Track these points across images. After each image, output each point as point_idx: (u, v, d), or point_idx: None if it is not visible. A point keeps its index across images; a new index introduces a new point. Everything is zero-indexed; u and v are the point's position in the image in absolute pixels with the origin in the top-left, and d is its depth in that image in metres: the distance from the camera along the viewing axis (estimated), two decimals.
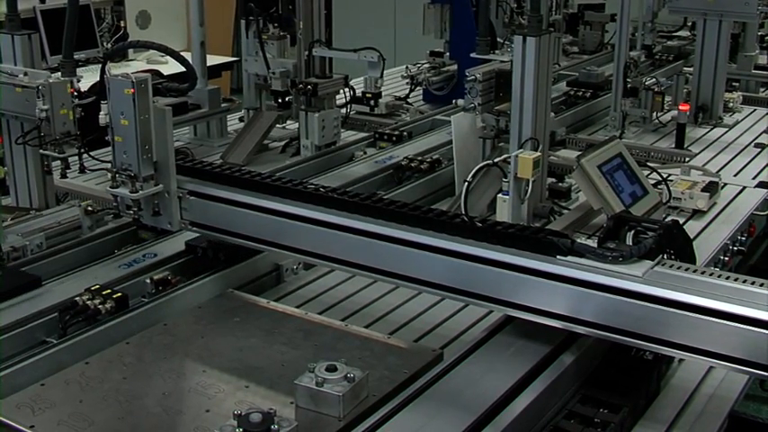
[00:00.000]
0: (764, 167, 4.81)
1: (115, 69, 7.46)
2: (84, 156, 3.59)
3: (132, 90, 2.98)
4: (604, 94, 5.75)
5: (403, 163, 4.54)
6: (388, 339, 2.88)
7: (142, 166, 3.06)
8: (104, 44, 7.72)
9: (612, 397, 2.59)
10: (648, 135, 5.38)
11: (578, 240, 2.66)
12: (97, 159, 3.49)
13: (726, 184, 4.46)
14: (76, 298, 3.04)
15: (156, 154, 3.09)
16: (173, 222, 3.20)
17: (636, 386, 2.65)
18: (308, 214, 2.97)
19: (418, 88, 6.25)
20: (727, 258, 3.82)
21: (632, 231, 2.83)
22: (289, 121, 5.35)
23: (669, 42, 7.24)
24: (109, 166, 3.15)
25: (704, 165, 4.75)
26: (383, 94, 5.61)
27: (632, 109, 5.35)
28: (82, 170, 4.05)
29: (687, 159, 4.82)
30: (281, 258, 3.44)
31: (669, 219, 3.60)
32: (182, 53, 7.67)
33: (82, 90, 3.73)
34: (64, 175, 3.91)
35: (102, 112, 3.09)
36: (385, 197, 3.21)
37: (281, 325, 2.93)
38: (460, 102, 4.19)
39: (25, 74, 3.67)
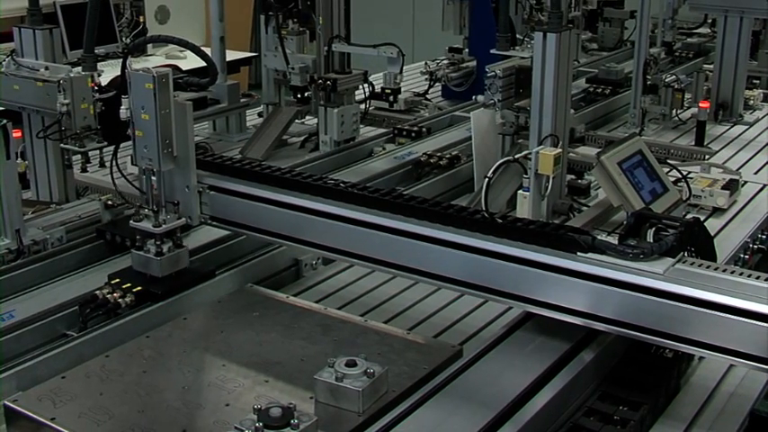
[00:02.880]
0: None
1: (134, 64, 7.48)
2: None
3: (153, 85, 2.97)
4: (624, 91, 5.74)
5: (422, 159, 4.54)
6: (408, 335, 2.88)
7: (162, 161, 3.05)
8: (123, 39, 7.73)
9: (632, 394, 2.57)
10: (668, 132, 5.36)
11: (599, 237, 2.66)
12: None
13: (746, 182, 4.44)
14: (97, 291, 3.05)
15: (177, 148, 3.08)
16: (192, 217, 3.19)
17: (656, 384, 2.64)
18: (327, 209, 2.97)
19: (437, 84, 6.24)
20: (747, 256, 3.80)
21: (653, 229, 2.81)
22: (308, 117, 5.35)
23: (689, 39, 7.21)
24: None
25: (724, 162, 4.73)
26: (402, 89, 5.60)
27: (652, 106, 5.33)
28: (102, 164, 4.08)
29: (707, 157, 4.80)
30: (300, 253, 3.44)
31: (690, 216, 3.58)
32: (205, 49, 7.69)
33: (102, 84, 3.75)
34: (84, 170, 3.93)
35: (123, 107, 3.07)
36: (404, 193, 3.21)
37: (301, 320, 2.94)
38: (480, 98, 4.18)
39: (46, 68, 3.68)
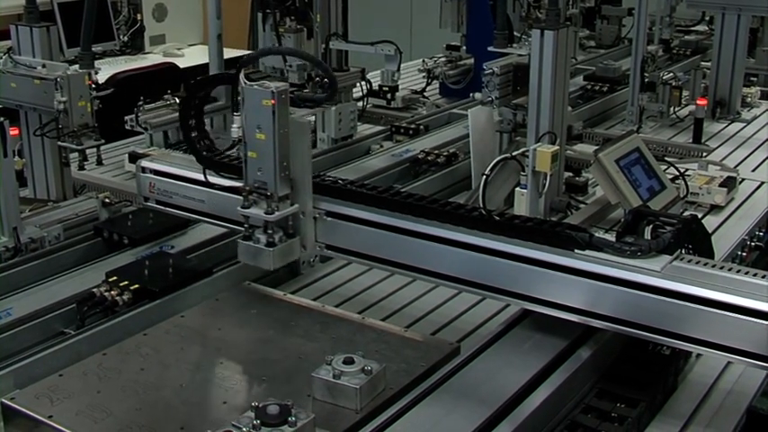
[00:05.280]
0: None
1: (131, 62, 7.47)
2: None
3: (273, 101, 2.69)
4: (622, 89, 5.73)
5: (420, 156, 4.54)
6: (405, 332, 2.88)
7: (279, 185, 2.79)
8: (121, 37, 7.73)
9: (630, 392, 2.57)
10: (666, 130, 5.36)
11: (596, 234, 2.66)
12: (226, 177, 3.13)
13: (744, 180, 4.44)
14: (94, 289, 3.05)
15: (293, 171, 2.83)
16: (307, 245, 2.94)
17: (653, 381, 2.64)
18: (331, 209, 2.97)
19: (435, 82, 6.23)
20: (745, 254, 3.80)
21: (651, 226, 2.81)
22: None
23: (687, 37, 7.20)
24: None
25: (722, 160, 4.72)
26: (400, 87, 5.61)
27: (649, 103, 5.32)
28: (99, 162, 4.08)
29: (705, 154, 4.80)
30: None
31: (687, 213, 3.58)
32: (198, 46, 7.66)
33: (99, 82, 3.75)
34: (81, 167, 3.93)
35: (234, 125, 2.91)
36: (402, 190, 3.20)
37: (299, 317, 2.94)
38: (477, 95, 4.18)
39: (43, 66, 3.68)
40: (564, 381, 2.54)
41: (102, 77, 3.72)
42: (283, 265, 2.97)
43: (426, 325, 3.10)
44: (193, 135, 3.21)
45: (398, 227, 2.84)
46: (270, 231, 2.80)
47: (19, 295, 3.12)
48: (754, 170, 4.69)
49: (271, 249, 2.80)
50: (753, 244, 3.89)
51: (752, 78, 6.30)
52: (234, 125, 2.82)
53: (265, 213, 2.78)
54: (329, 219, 2.94)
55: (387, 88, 5.49)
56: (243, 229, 3.18)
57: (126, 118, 4.40)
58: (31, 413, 2.40)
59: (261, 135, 2.74)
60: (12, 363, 2.64)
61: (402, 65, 5.40)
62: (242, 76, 2.78)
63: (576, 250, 2.62)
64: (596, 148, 3.88)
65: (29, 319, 2.93)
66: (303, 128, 2.82)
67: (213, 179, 3.12)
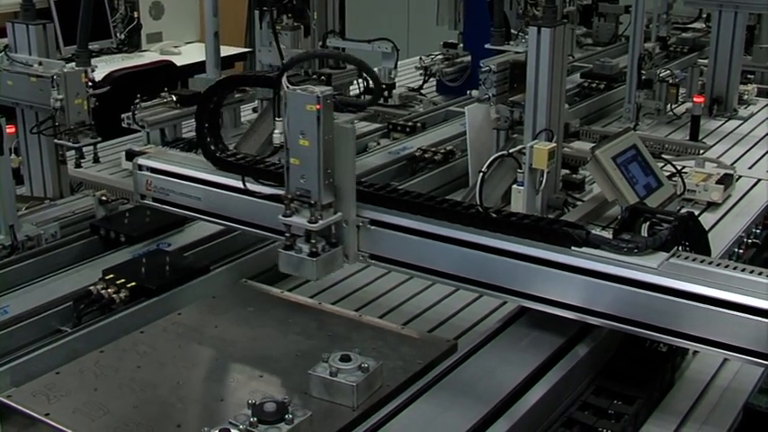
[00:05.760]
0: None
1: (128, 60, 7.46)
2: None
3: (318, 106, 2.59)
4: (618, 86, 5.73)
5: (417, 154, 4.54)
6: (402, 330, 2.88)
7: (323, 193, 2.69)
8: (118, 35, 7.73)
9: (626, 389, 2.58)
10: (663, 127, 5.36)
11: (593, 231, 2.66)
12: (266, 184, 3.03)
13: (740, 177, 4.44)
14: (91, 287, 3.05)
15: (337, 178, 2.73)
16: (349, 255, 2.85)
17: (650, 378, 2.64)
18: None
19: (432, 79, 6.23)
20: (741, 251, 3.80)
21: (647, 223, 2.82)
22: None
23: (684, 34, 7.21)
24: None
25: (719, 157, 4.73)
26: (397, 85, 5.60)
27: (646, 101, 5.33)
28: (96, 160, 4.08)
29: (701, 151, 4.81)
30: None
31: (684, 211, 3.59)
32: (195, 44, 7.65)
33: (96, 80, 3.74)
34: (78, 165, 3.93)
35: (276, 131, 2.83)
36: (399, 188, 3.20)
37: (295, 315, 2.94)
38: (474, 93, 4.18)
39: (40, 63, 3.67)
40: (561, 378, 2.55)
41: (98, 75, 3.72)
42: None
43: (423, 322, 3.10)
44: (207, 137, 3.19)
45: (395, 224, 2.83)
46: (313, 241, 2.72)
47: (15, 293, 3.11)
48: (750, 167, 4.70)
49: (314, 260, 2.70)
50: (749, 241, 3.90)
51: (749, 76, 6.30)
52: (276, 131, 2.71)
53: (308, 222, 2.68)
54: (373, 227, 2.85)
55: (384, 86, 5.48)
56: (240, 227, 3.21)
57: (123, 116, 4.41)
58: (28, 411, 2.40)
59: (304, 141, 2.64)
60: (8, 361, 2.63)
61: (399, 62, 5.40)
62: (284, 79, 2.68)
63: (572, 247, 2.62)
64: (593, 145, 3.89)
65: (25, 317, 2.93)
66: (348, 134, 2.70)
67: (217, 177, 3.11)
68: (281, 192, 2.79)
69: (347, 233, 2.81)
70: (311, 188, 2.68)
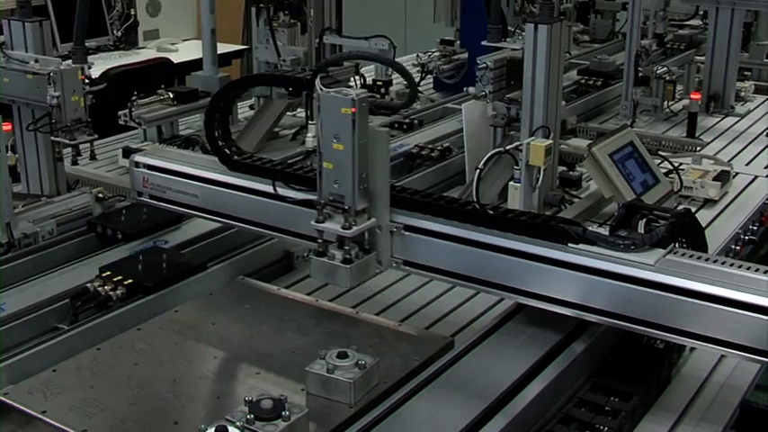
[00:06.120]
0: None
1: (125, 57, 7.44)
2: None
3: (353, 109, 2.52)
4: (615, 83, 5.73)
5: (414, 151, 4.53)
6: (399, 326, 2.88)
7: (357, 198, 2.62)
8: (114, 32, 7.71)
9: (623, 385, 2.58)
10: (660, 124, 5.36)
11: (590, 228, 2.66)
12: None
13: (737, 174, 4.44)
14: (88, 284, 3.05)
15: (371, 183, 2.67)
16: (383, 261, 2.79)
17: (647, 375, 2.64)
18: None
19: (429, 76, 6.23)
20: (738, 247, 3.80)
21: (644, 219, 2.82)
22: (299, 109, 5.34)
23: (681, 31, 7.20)
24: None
25: (716, 154, 4.73)
26: (393, 82, 5.60)
27: (643, 98, 5.32)
28: (93, 157, 4.07)
29: (698, 148, 4.81)
30: (291, 245, 3.44)
31: (681, 207, 3.59)
32: (192, 41, 7.64)
33: (93, 77, 3.74)
34: (75, 162, 3.93)
35: (309, 134, 2.73)
36: (396, 185, 3.19)
37: (292, 312, 2.94)
38: (471, 89, 4.17)
39: (36, 61, 3.67)
40: (558, 374, 2.55)
41: (95, 72, 3.71)
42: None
43: (420, 319, 3.10)
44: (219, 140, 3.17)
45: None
46: (346, 247, 2.64)
47: (12, 290, 3.11)
48: (747, 164, 4.70)
49: (348, 266, 2.63)
50: (746, 238, 3.90)
51: (746, 73, 6.31)
52: (308, 134, 2.64)
53: (342, 228, 2.61)
54: (407, 233, 2.79)
55: (381, 83, 5.48)
56: (237, 225, 3.21)
57: (120, 113, 4.40)
58: (25, 408, 2.40)
59: (339, 145, 2.57)
60: (5, 358, 2.63)
61: (396, 59, 5.38)
62: (318, 81, 2.61)
63: (569, 244, 2.61)
64: (590, 142, 3.89)
65: (22, 314, 2.92)
66: (382, 137, 2.64)
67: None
68: (312, 196, 2.73)
69: (381, 239, 2.75)
70: (345, 193, 2.61)
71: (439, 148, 4.51)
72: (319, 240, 2.67)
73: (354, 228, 2.61)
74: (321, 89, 2.58)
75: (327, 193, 2.63)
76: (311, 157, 2.67)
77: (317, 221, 2.65)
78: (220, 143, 3.18)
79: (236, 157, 3.16)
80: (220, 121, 3.18)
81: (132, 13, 7.92)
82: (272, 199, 3.00)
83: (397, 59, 5.21)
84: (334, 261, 2.65)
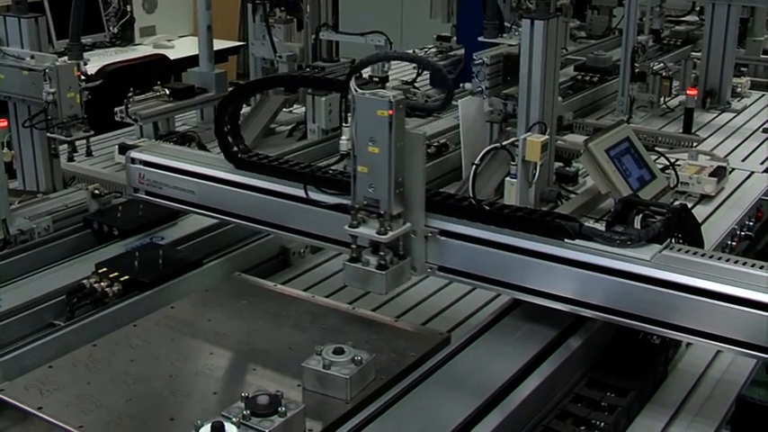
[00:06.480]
0: None
1: (121, 54, 7.43)
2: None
3: (390, 111, 2.46)
4: (612, 79, 5.73)
5: None
6: (396, 322, 2.88)
7: (393, 203, 2.56)
8: (111, 28, 7.70)
9: (620, 381, 2.58)
10: (656, 120, 5.36)
11: (586, 224, 2.66)
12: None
13: (734, 169, 4.45)
14: (84, 281, 3.04)
15: (406, 187, 2.60)
16: (417, 267, 2.73)
17: (643, 370, 2.64)
18: (313, 197, 2.95)
19: (425, 72, 6.22)
20: (734, 243, 3.81)
21: (640, 215, 2.81)
22: (295, 105, 5.34)
23: (677, 27, 7.19)
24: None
25: (712, 150, 4.73)
26: (390, 78, 5.60)
27: (640, 94, 5.33)
28: (89, 153, 4.08)
29: (695, 144, 4.81)
30: (288, 242, 3.44)
31: (677, 203, 3.59)
32: (188, 38, 7.62)
33: (89, 74, 3.74)
34: (71, 159, 3.93)
35: (344, 137, 2.69)
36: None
37: (289, 308, 2.93)
38: (468, 85, 4.18)
39: (32, 57, 3.67)
40: (554, 370, 2.55)
41: (92, 69, 3.72)
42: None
43: (417, 315, 3.10)
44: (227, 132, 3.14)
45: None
46: (381, 253, 2.58)
47: (8, 287, 3.11)
48: (744, 160, 4.70)
49: (383, 273, 2.57)
50: (742, 233, 3.91)
51: (742, 68, 6.32)
52: (343, 137, 2.60)
53: (377, 234, 2.55)
54: (442, 238, 2.73)
55: (377, 79, 5.47)
56: (234, 221, 3.20)
57: (116, 109, 4.40)
58: (21, 405, 2.40)
59: (374, 148, 2.50)
60: (1, 354, 2.63)
61: None
62: (353, 83, 2.53)
63: (565, 240, 2.61)
64: (586, 137, 3.89)
65: (18, 310, 2.92)
66: (418, 140, 2.57)
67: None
68: (345, 201, 2.67)
69: (415, 244, 2.70)
70: (380, 197, 2.55)
71: (435, 144, 4.51)
72: (353, 246, 2.61)
73: (390, 233, 2.55)
74: (356, 91, 2.52)
75: (362, 197, 2.57)
76: (345, 160, 2.62)
77: (350, 226, 2.58)
78: (236, 147, 3.16)
79: (254, 158, 3.14)
80: (231, 123, 3.17)
81: (128, 9, 7.91)
82: (267, 195, 3.02)
83: None
84: (368, 267, 2.59)
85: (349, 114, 2.57)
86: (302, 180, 2.93)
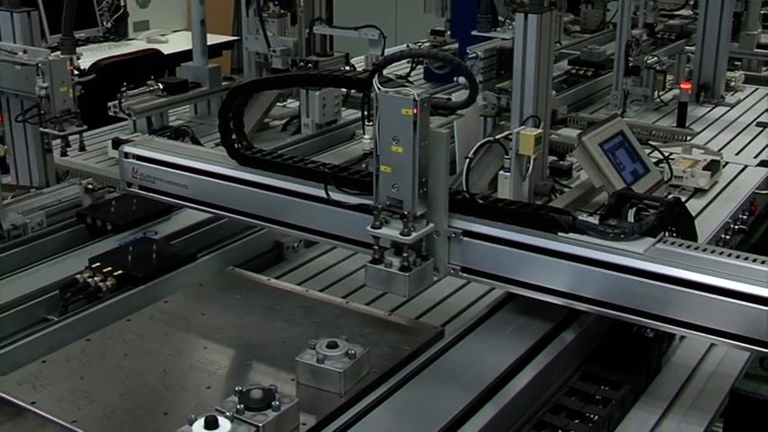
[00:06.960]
0: (766, 146, 4.80)
1: (115, 49, 7.41)
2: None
3: (415, 110, 2.42)
4: (606, 73, 5.72)
5: None
6: (390, 316, 2.88)
7: (417, 203, 2.53)
8: (104, 23, 7.69)
9: (613, 374, 2.58)
10: (650, 114, 5.36)
11: (580, 217, 2.66)
12: None
13: (727, 163, 4.45)
14: (77, 275, 3.04)
15: (429, 187, 2.58)
16: (440, 268, 2.70)
17: (637, 363, 2.65)
18: (307, 191, 2.96)
19: (419, 66, 6.22)
20: (728, 237, 3.81)
21: (634, 208, 2.82)
22: (289, 100, 5.34)
23: (671, 21, 7.20)
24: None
25: (706, 143, 4.74)
26: (384, 72, 5.58)
27: (634, 88, 5.32)
28: (82, 148, 4.07)
29: (689, 138, 4.81)
30: (281, 236, 3.43)
31: (671, 197, 3.59)
32: (182, 32, 7.61)
33: (83, 68, 3.73)
34: (64, 153, 3.92)
35: (366, 136, 2.65)
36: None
37: (283, 302, 2.93)
38: (461, 80, 4.16)
39: (25, 51, 3.66)
40: (548, 363, 2.55)
41: (85, 64, 3.71)
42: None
43: (410, 309, 3.10)
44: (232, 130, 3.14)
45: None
46: (405, 254, 2.55)
47: (2, 282, 3.10)
48: (737, 154, 4.71)
49: (406, 275, 2.53)
50: (736, 227, 3.91)
51: (736, 62, 6.32)
52: (365, 136, 2.56)
53: (401, 235, 2.51)
54: (465, 239, 2.69)
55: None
56: (227, 215, 3.20)
57: (109, 104, 4.39)
58: (14, 399, 2.39)
59: (398, 148, 2.47)
60: None
61: (386, 49, 5.37)
62: (376, 81, 2.49)
63: (559, 233, 2.61)
64: (580, 131, 3.89)
65: (12, 305, 2.92)
66: (442, 139, 2.53)
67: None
68: (367, 201, 2.65)
69: (439, 245, 2.68)
70: (404, 198, 2.51)
71: None
72: (375, 247, 2.57)
73: (413, 234, 2.52)
74: (380, 89, 2.48)
75: (384, 197, 2.54)
76: (367, 159, 2.60)
77: (373, 227, 2.55)
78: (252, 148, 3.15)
79: (268, 156, 3.12)
80: (236, 123, 3.18)
81: (122, 4, 7.91)
82: (262, 189, 3.02)
83: (386, 49, 5.23)
84: (391, 269, 2.56)
85: (373, 113, 2.52)
86: (323, 180, 2.88)
